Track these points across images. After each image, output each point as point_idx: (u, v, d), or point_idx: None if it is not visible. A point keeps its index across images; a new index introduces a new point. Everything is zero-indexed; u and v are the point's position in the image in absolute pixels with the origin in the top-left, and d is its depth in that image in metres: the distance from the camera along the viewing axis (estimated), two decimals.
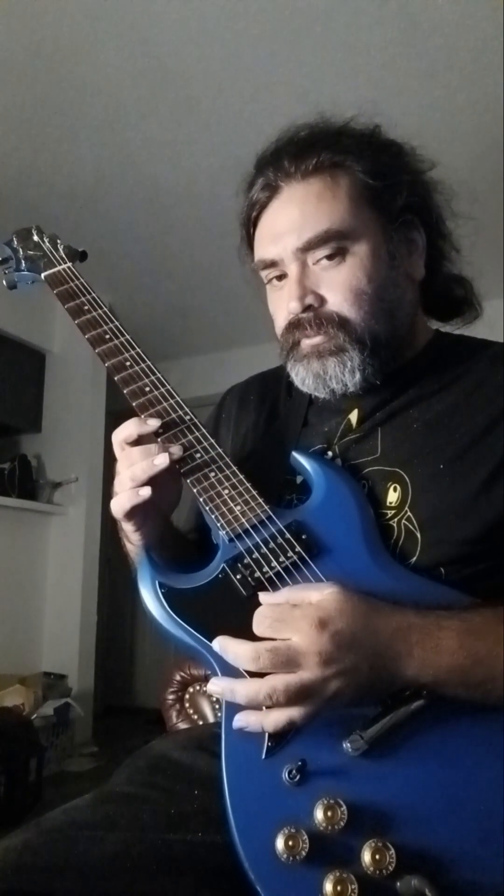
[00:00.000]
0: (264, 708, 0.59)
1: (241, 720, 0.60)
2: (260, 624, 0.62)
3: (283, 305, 0.80)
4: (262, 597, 0.66)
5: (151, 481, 0.71)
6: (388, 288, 0.77)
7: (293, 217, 0.77)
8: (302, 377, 0.80)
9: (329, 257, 0.76)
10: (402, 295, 0.79)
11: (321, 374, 0.78)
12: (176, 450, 0.73)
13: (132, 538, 0.77)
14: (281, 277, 0.81)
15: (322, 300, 0.77)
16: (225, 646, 0.62)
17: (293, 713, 0.58)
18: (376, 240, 0.77)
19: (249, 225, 0.83)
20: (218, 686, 0.62)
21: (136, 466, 0.71)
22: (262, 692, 0.58)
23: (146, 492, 0.71)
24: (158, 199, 2.87)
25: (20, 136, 2.49)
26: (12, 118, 2.39)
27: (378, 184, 0.76)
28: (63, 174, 2.70)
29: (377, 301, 0.76)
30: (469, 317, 0.88)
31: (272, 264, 0.80)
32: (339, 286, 0.76)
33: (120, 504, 0.72)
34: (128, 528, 0.76)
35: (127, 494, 0.71)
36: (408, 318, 0.81)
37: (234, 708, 0.61)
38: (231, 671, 0.62)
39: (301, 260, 0.77)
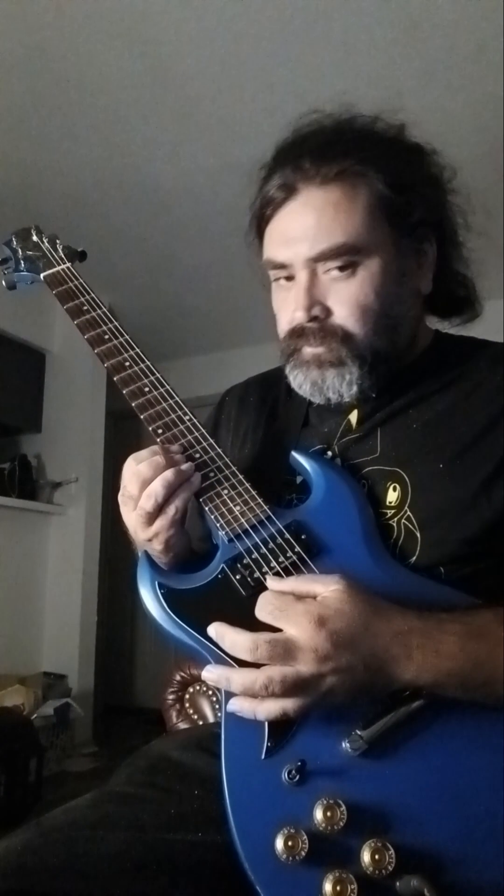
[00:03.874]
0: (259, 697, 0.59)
1: (236, 705, 0.60)
2: (262, 609, 0.62)
3: (287, 307, 0.79)
4: (270, 582, 0.66)
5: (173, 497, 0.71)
6: (395, 305, 0.77)
7: (308, 224, 0.75)
8: (299, 382, 0.80)
9: (340, 269, 0.75)
10: (406, 311, 0.79)
11: (318, 383, 0.78)
12: (186, 466, 0.73)
13: (164, 560, 0.76)
14: (289, 278, 0.79)
15: (328, 312, 0.76)
16: (222, 633, 0.62)
17: (287, 704, 0.59)
18: (388, 256, 0.76)
19: (262, 220, 0.81)
20: (213, 674, 0.62)
21: (154, 486, 0.71)
22: (258, 682, 0.58)
23: (181, 502, 0.71)
24: (158, 199, 2.87)
25: (20, 136, 2.49)
26: (12, 118, 2.39)
27: (397, 198, 0.75)
28: (63, 174, 2.70)
29: (382, 317, 0.76)
30: (469, 315, 0.87)
31: (281, 266, 0.79)
32: (346, 300, 0.75)
33: (163, 527, 0.72)
34: (157, 549, 0.75)
35: (168, 516, 0.72)
36: (410, 332, 0.81)
37: None
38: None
39: (311, 269, 0.76)
